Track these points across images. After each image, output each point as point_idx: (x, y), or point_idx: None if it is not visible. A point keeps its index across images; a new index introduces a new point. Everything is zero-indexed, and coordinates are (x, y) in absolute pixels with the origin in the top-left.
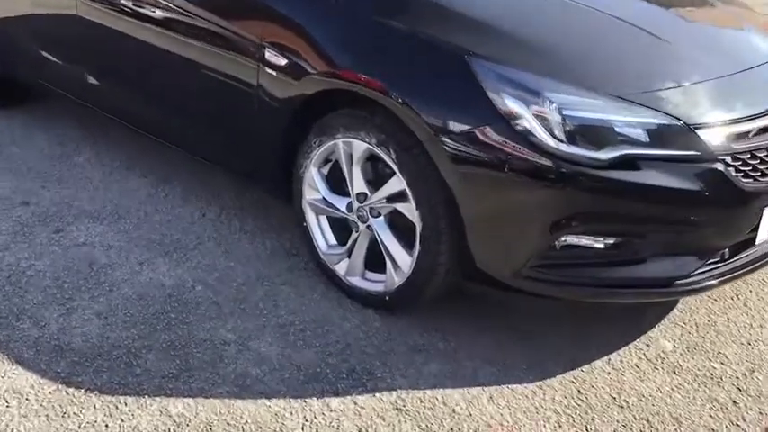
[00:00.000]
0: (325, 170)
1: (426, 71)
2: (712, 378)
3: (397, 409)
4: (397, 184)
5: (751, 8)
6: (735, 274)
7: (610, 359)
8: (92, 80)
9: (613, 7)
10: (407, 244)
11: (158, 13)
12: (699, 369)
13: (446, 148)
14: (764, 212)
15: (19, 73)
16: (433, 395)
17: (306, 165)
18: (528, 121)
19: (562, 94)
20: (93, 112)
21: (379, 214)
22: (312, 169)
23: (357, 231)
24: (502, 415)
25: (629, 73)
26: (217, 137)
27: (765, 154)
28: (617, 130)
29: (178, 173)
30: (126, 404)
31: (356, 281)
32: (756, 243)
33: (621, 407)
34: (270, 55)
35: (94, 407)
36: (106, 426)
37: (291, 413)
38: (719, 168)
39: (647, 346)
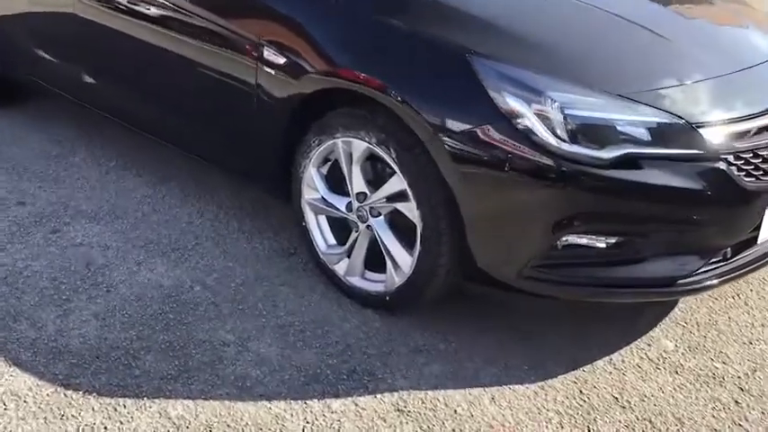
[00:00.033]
0: (325, 170)
1: (427, 70)
2: (714, 378)
3: (398, 410)
4: (397, 183)
5: (750, 5)
6: (736, 273)
7: (611, 359)
8: (88, 79)
9: (614, 5)
10: (408, 244)
11: (156, 12)
12: (701, 369)
13: (447, 147)
14: (766, 211)
15: (14, 71)
16: (434, 396)
17: (305, 164)
18: (529, 120)
19: (564, 93)
20: (89, 110)
21: (379, 214)
22: (311, 169)
23: (357, 231)
24: (504, 416)
25: (631, 71)
26: (215, 136)
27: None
28: (619, 128)
29: (175, 172)
30: (125, 406)
31: (356, 281)
32: (758, 242)
33: (624, 407)
34: (268, 54)
35: (93, 409)
36: (105, 428)
37: (292, 415)
38: (722, 167)
39: (649, 345)
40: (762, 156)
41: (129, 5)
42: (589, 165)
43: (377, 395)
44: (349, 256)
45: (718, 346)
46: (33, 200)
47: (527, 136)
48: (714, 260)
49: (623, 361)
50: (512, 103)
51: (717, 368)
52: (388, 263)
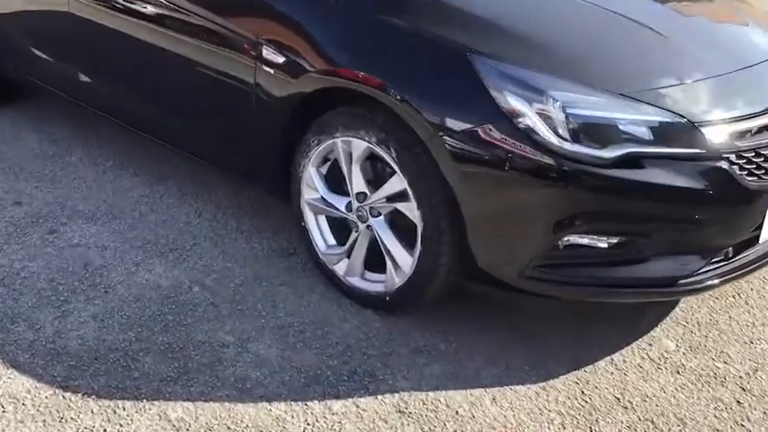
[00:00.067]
0: (324, 169)
1: (428, 69)
2: (716, 378)
3: (399, 411)
4: (397, 183)
5: (749, 3)
6: (738, 273)
7: (612, 359)
8: (84, 78)
9: (615, 3)
10: (408, 244)
11: (153, 10)
12: (702, 369)
13: (448, 146)
14: None
15: (10, 70)
16: (435, 397)
17: (304, 164)
18: (531, 119)
19: (566, 92)
20: (85, 109)
21: (379, 214)
22: (310, 168)
23: (357, 231)
24: (505, 417)
25: (632, 70)
26: (213, 135)
27: None
28: (621, 128)
29: (172, 172)
30: (124, 409)
31: (356, 281)
32: (760, 241)
33: (626, 408)
34: (267, 53)
35: (92, 412)
36: (104, 431)
37: (293, 417)
38: (724, 166)
39: (650, 345)
40: (764, 155)
41: (125, 4)
42: (591, 164)
43: (378, 396)
44: (349, 257)
45: (719, 345)
46: (30, 200)
47: (528, 135)
48: (716, 260)
49: (625, 361)
50: (513, 102)
51: (718, 368)
52: (388, 263)
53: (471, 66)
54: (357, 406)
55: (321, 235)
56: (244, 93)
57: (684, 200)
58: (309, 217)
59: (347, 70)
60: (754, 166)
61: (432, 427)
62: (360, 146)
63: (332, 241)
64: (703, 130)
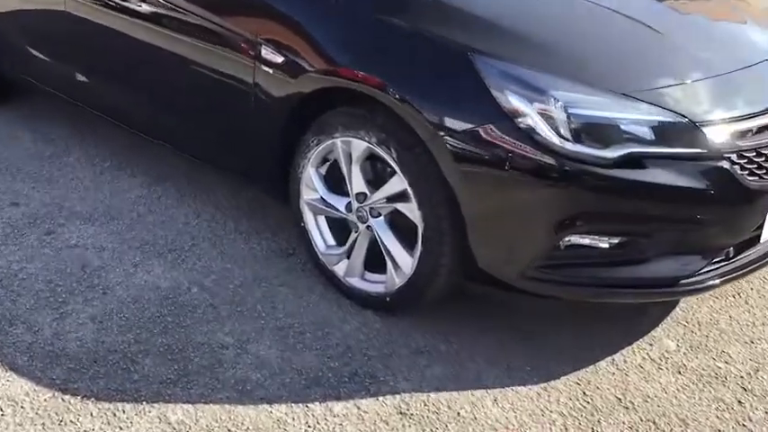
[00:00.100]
0: (323, 170)
1: (428, 69)
2: (717, 378)
3: (401, 413)
4: (398, 183)
5: (747, 1)
6: (739, 272)
7: (614, 359)
8: (81, 78)
9: (615, 2)
10: (408, 244)
11: (150, 9)
12: (703, 369)
13: (448, 146)
14: None
15: (6, 70)
16: (436, 398)
17: (303, 164)
18: (532, 119)
19: (567, 92)
20: (82, 109)
21: (379, 214)
22: (310, 169)
23: (357, 232)
24: (507, 418)
25: (633, 69)
26: (210, 135)
27: None
28: (622, 127)
29: (170, 172)
30: (124, 411)
31: (356, 282)
32: (761, 241)
33: (627, 408)
34: (266, 52)
35: (92, 414)
36: None
37: (294, 419)
38: (725, 166)
39: (651, 345)
40: (765, 154)
41: (122, 3)
42: (592, 164)
43: (379, 398)
44: (348, 257)
45: (720, 345)
46: (27, 201)
47: (530, 135)
48: (717, 260)
49: (626, 361)
50: (514, 102)
51: (719, 368)
52: (389, 264)
53: (472, 65)
54: (358, 408)
55: (321, 235)
56: (242, 92)
57: (686, 200)
58: (309, 217)
59: (347, 70)
60: (756, 165)
61: (433, 429)
62: (360, 146)
63: (331, 242)
64: (705, 129)
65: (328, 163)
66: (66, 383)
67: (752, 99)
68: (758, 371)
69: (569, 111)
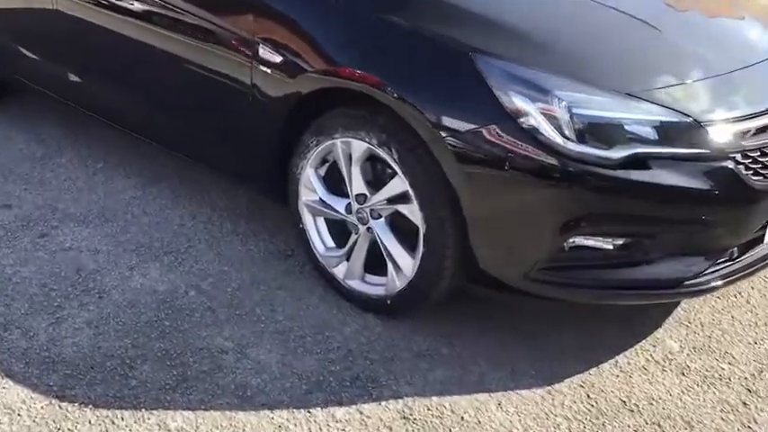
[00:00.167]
0: (323, 171)
1: (430, 69)
2: (721, 379)
3: (404, 417)
4: (399, 185)
5: None
6: (742, 273)
7: (617, 361)
8: (73, 78)
9: (616, 1)
10: (409, 246)
11: (144, 8)
12: (707, 370)
13: (451, 147)
14: None
15: None
16: (440, 402)
17: (302, 165)
18: (536, 119)
19: (571, 92)
20: (73, 109)
21: (380, 216)
22: (309, 170)
23: (357, 233)
24: (511, 422)
25: (635, 68)
26: (207, 136)
27: None
28: (627, 128)
29: (165, 172)
30: (123, 418)
31: (356, 284)
32: (765, 241)
33: (632, 411)
34: (264, 52)
35: (90, 422)
36: None
37: (295, 425)
38: (730, 166)
39: (654, 347)
40: None
41: (114, 1)
42: (597, 165)
43: (381, 402)
44: (348, 259)
45: (723, 346)
46: (19, 203)
47: (533, 136)
48: (720, 260)
49: (629, 363)
50: (518, 102)
51: (723, 369)
52: (390, 266)
53: (474, 65)
54: (361, 413)
55: (320, 237)
56: (239, 92)
57: (691, 200)
58: (308, 219)
59: (347, 70)
60: (760, 165)
61: None
62: (360, 147)
63: (331, 244)
64: (709, 129)
65: (327, 164)
66: (63, 390)
67: (756, 98)
68: (762, 371)
69: (573, 111)
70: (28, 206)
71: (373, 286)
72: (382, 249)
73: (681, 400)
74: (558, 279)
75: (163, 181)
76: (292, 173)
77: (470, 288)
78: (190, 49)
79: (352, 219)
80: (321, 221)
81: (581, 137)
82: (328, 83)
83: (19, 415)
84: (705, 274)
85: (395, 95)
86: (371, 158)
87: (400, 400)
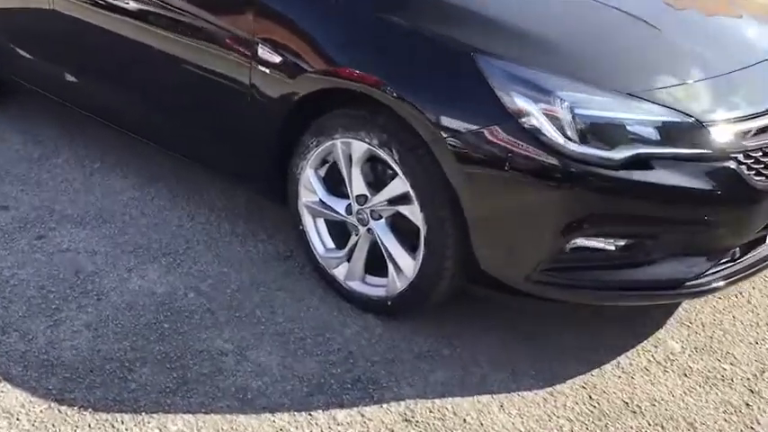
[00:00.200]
0: (323, 171)
1: (431, 69)
2: (723, 380)
3: (406, 420)
4: (399, 185)
5: None
6: (744, 274)
7: (619, 362)
8: (70, 78)
9: (617, 0)
10: (410, 247)
11: (142, 7)
12: (709, 371)
13: (452, 148)
14: None
15: None
16: (442, 404)
17: (302, 166)
18: (538, 120)
19: (573, 92)
20: (70, 109)
21: (380, 217)
22: (309, 170)
23: (357, 235)
24: (514, 424)
25: (636, 68)
26: (205, 136)
27: None
28: (629, 128)
29: (162, 173)
30: (122, 422)
31: (356, 285)
32: (767, 242)
33: (635, 412)
34: (263, 52)
35: (89, 426)
36: None
37: (296, 428)
38: (732, 166)
39: (655, 347)
40: None
41: (112, 1)
42: (599, 165)
43: (383, 405)
44: (349, 260)
45: (724, 346)
46: (16, 204)
47: (535, 136)
48: (722, 261)
49: (631, 364)
50: (519, 102)
51: (725, 369)
52: (390, 267)
53: (475, 65)
54: (362, 415)
55: (320, 238)
56: (238, 93)
57: (693, 201)
58: (308, 220)
59: (347, 70)
60: (762, 165)
61: None
62: (360, 148)
63: (331, 245)
64: (711, 129)
65: (327, 164)
66: (62, 394)
67: (757, 98)
68: (764, 372)
69: (575, 111)
70: (25, 207)
71: (374, 287)
72: (383, 250)
73: (683, 401)
74: (559, 280)
75: (160, 181)
76: (292, 173)
77: (471, 288)
78: (188, 48)
79: (353, 220)
80: (321, 222)
81: (583, 137)
82: (328, 83)
83: (18, 419)
84: (707, 275)
85: (395, 96)
86: (371, 159)
87: (402, 402)
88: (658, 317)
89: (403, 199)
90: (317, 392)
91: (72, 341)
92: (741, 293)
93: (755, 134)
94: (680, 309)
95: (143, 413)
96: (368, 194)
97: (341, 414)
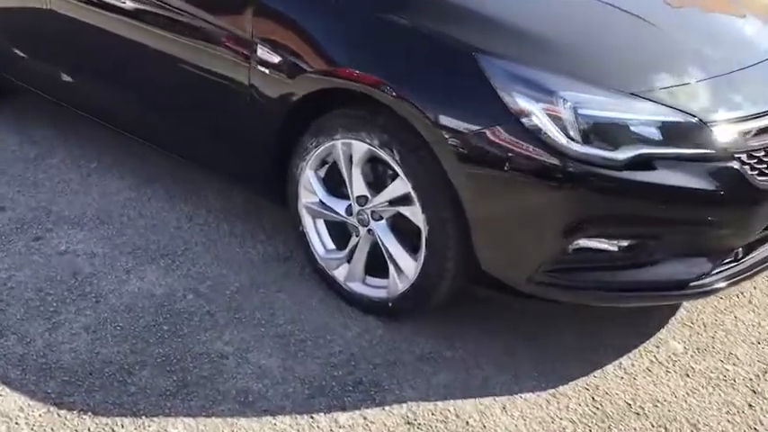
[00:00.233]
0: (322, 172)
1: (432, 69)
2: (726, 380)
3: (408, 423)
4: (401, 186)
5: None
6: (746, 274)
7: (621, 363)
8: (66, 78)
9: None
10: (411, 248)
11: (139, 7)
12: (711, 371)
13: (454, 148)
14: None
15: None
16: (444, 407)
17: (302, 166)
18: (541, 120)
19: (576, 92)
20: (65, 109)
21: (381, 217)
22: (308, 171)
23: (357, 236)
24: (516, 426)
25: (638, 68)
26: (204, 137)
27: None
28: (632, 128)
29: (159, 173)
30: (122, 426)
31: (357, 287)
32: None
33: (638, 414)
34: (262, 52)
35: (89, 430)
36: None
37: (298, 431)
38: (735, 167)
39: (657, 348)
40: None
41: (109, 1)
42: (602, 166)
43: (385, 407)
44: (349, 262)
45: (726, 347)
46: (13, 205)
47: (539, 138)
48: (725, 261)
49: (633, 365)
50: (522, 103)
51: (727, 370)
52: (391, 268)
53: (477, 65)
54: (364, 418)
55: (320, 239)
56: (236, 93)
57: (697, 201)
58: (308, 221)
59: (347, 70)
60: (765, 165)
61: None
62: (360, 148)
63: (331, 246)
64: (714, 129)
65: (327, 165)
66: (61, 397)
67: (760, 97)
68: (766, 373)
69: (579, 112)
70: (21, 208)
71: (375, 289)
72: (384, 251)
73: (686, 401)
74: (562, 281)
75: (157, 181)
76: (292, 174)
77: (472, 289)
78: (186, 48)
79: (353, 221)
80: (321, 223)
81: (586, 138)
82: (328, 83)
83: (17, 423)
84: (710, 276)
85: (396, 96)
86: (372, 160)
87: (404, 405)
88: (659, 317)
89: (404, 200)
90: (319, 395)
91: (71, 344)
92: (742, 293)
93: (759, 134)
94: (681, 309)
95: (143, 417)
96: (368, 195)
97: (343, 417)
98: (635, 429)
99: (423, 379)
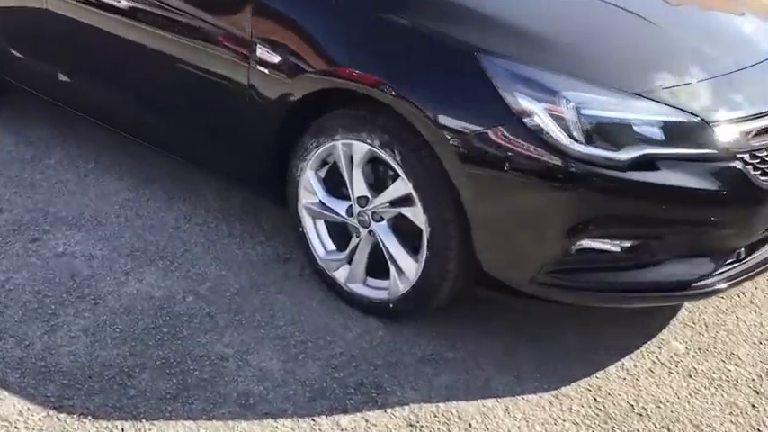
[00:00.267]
0: (323, 173)
1: (433, 69)
2: (728, 381)
3: (410, 425)
4: (402, 187)
5: None
6: (747, 275)
7: (623, 364)
8: (63, 78)
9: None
10: (412, 249)
11: (137, 6)
12: (714, 372)
13: (455, 149)
14: None
15: None
16: (446, 409)
17: (302, 167)
18: (543, 120)
19: (579, 92)
20: (61, 109)
21: (382, 218)
22: (308, 172)
23: (358, 237)
24: (519, 428)
25: (642, 68)
26: (202, 137)
27: None
28: (635, 128)
29: (157, 174)
30: (122, 429)
31: (357, 288)
32: None
33: (641, 415)
34: (262, 52)
35: None
36: None
37: None
38: (738, 167)
39: (659, 348)
40: None
41: (106, 1)
42: (605, 167)
43: (387, 409)
44: (350, 263)
45: (728, 347)
46: (10, 206)
47: (541, 138)
48: (727, 261)
49: (635, 365)
50: (524, 103)
51: (730, 370)
52: (392, 269)
53: (479, 65)
54: (366, 420)
55: (320, 240)
56: (235, 93)
57: (700, 201)
58: (308, 222)
59: (347, 70)
60: None
61: None
62: (361, 149)
63: (331, 247)
64: (717, 129)
65: (327, 166)
66: (60, 401)
67: (763, 97)
68: None
69: (581, 112)
70: (18, 210)
71: (376, 290)
72: (385, 252)
73: (689, 402)
74: (564, 282)
75: (155, 182)
76: (291, 175)
77: (474, 290)
78: (184, 48)
79: (354, 222)
80: (321, 224)
81: (589, 138)
82: (328, 83)
83: (16, 427)
84: (712, 276)
85: (396, 96)
86: (372, 160)
87: (406, 407)
88: (661, 317)
89: (405, 201)
90: (320, 397)
91: (70, 347)
92: (743, 293)
93: (760, 134)
94: (683, 309)
95: (143, 420)
96: (369, 196)
97: (344, 419)
98: (638, 430)
99: (424, 380)
